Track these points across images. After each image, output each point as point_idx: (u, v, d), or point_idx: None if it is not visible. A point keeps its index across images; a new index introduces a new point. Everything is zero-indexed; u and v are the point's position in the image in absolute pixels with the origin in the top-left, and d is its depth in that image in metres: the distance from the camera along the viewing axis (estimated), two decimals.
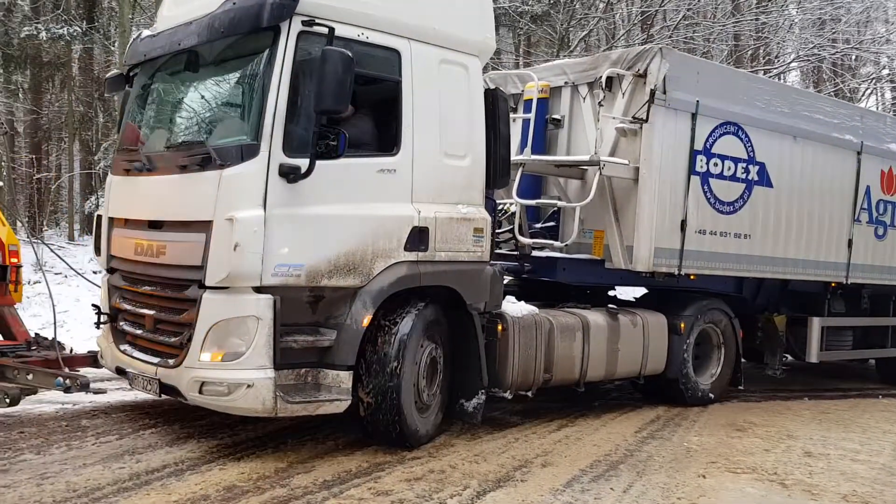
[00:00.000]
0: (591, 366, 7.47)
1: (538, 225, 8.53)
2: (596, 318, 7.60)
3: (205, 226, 5.48)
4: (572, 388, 7.56)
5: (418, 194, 6.08)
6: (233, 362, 5.42)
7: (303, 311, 5.71)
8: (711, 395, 8.67)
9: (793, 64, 23.76)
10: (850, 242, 9.83)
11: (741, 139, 8.46)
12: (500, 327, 6.73)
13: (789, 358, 10.51)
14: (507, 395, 6.84)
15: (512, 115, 8.42)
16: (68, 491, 4.88)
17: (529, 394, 7.09)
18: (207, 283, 5.47)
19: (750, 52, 22.88)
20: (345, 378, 5.70)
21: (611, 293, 9.03)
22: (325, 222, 5.64)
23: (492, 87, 7.20)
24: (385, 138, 6.02)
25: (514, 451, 6.27)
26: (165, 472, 5.34)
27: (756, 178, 8.67)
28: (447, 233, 6.24)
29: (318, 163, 5.42)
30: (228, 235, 5.32)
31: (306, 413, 5.59)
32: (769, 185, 8.80)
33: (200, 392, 5.52)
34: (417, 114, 6.05)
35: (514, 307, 7.04)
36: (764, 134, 8.65)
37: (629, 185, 7.85)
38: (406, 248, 5.98)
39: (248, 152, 5.40)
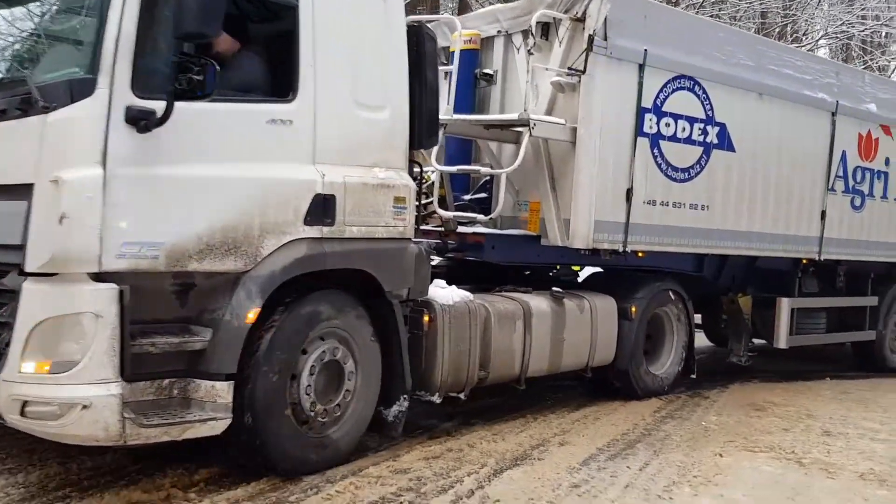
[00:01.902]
0: (534, 359, 6.40)
1: (467, 197, 7.44)
2: (539, 303, 6.52)
3: (25, 190, 4.19)
4: (511, 386, 6.52)
5: (323, 153, 4.88)
6: (63, 374, 4.09)
7: (166, 305, 4.45)
8: (665, 386, 7.68)
9: (821, 41, 23.35)
10: (823, 214, 8.81)
11: (698, 96, 7.38)
12: (426, 318, 5.63)
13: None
14: (436, 398, 5.75)
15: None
16: None
17: (462, 395, 6.03)
18: (28, 269, 4.19)
19: (777, 30, 22.32)
20: (222, 390, 4.41)
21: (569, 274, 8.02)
22: (194, 187, 4.38)
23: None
24: (278, 81, 4.79)
25: (533, 430, 6.19)
26: None
27: (715, 141, 7.61)
28: (360, 202, 5.06)
29: (182, 107, 4.19)
30: (53, 203, 4.05)
31: (169, 438, 4.31)
32: (730, 148, 7.75)
33: (22, 414, 4.18)
34: (321, 50, 4.82)
35: (443, 293, 5.92)
36: (724, 90, 7.57)
37: (567, 149, 6.78)
38: (306, 222, 4.78)
39: (80, 90, 4.09)
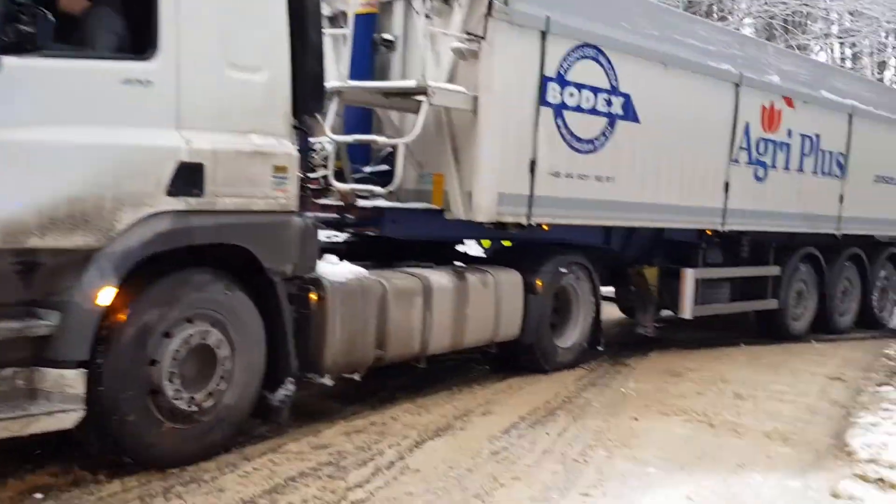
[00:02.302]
0: (435, 336, 6.16)
1: (367, 169, 7.13)
2: (440, 278, 6.28)
3: None
4: (411, 365, 6.31)
5: (188, 117, 4.43)
6: None
7: (6, 286, 3.99)
8: (571, 359, 7.60)
9: (746, 21, 24.27)
10: (726, 185, 8.86)
11: (602, 65, 7.25)
12: (314, 296, 5.29)
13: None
14: (327, 380, 5.44)
15: (332, 33, 7.02)
16: None
17: (357, 376, 5.77)
18: None
19: (705, 9, 22.89)
20: (72, 379, 4.03)
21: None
22: (33, 153, 3.91)
23: None
24: (137, 38, 4.33)
25: (457, 402, 6.24)
26: None
27: (620, 112, 7.51)
28: (233, 172, 4.62)
29: (13, 62, 3.76)
30: None
31: (10, 434, 3.88)
32: (635, 119, 7.66)
33: None
34: (186, 4, 4.38)
35: (335, 270, 5.57)
36: (629, 60, 7.47)
37: (469, 119, 6.53)
38: (169, 193, 4.34)
39: None
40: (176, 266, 4.48)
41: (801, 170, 9.95)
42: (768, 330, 10.39)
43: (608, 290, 10.43)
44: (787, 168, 9.72)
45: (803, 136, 9.90)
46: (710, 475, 4.88)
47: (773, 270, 10.05)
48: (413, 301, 5.92)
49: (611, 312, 9.33)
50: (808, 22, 27.87)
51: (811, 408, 6.78)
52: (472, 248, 8.13)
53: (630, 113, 7.59)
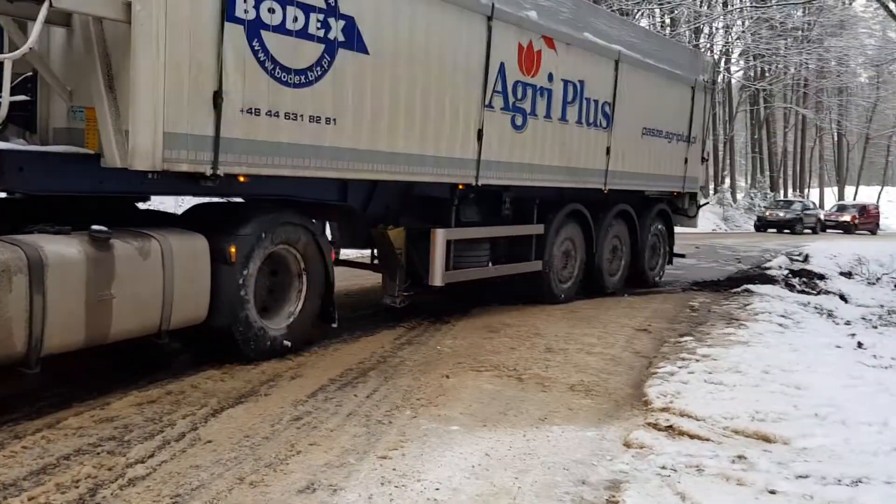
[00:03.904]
0: (53, 329, 4.45)
1: None
2: (61, 249, 4.53)
3: None
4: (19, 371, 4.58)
5: None
6: None
7: None
8: (288, 343, 6.25)
9: None
10: (480, 134, 7.82)
11: None
12: None
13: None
14: None
15: None
16: None
17: None
18: None
19: None
20: None
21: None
22: None
23: None
24: None
25: (266, 366, 5.95)
26: None
27: (341, 38, 6.16)
28: None
29: None
30: None
31: None
32: (363, 49, 6.35)
33: None
34: None
35: None
36: None
37: (125, 33, 4.91)
38: None
39: None
40: None
41: (564, 119, 9.15)
42: (533, 293, 9.60)
43: (356, 254, 9.29)
44: (548, 117, 8.86)
45: (566, 82, 9.09)
46: (511, 430, 4.82)
47: (537, 229, 9.24)
48: (9, 282, 4.20)
49: None
50: None
51: (616, 359, 6.82)
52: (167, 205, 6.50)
53: (355, 41, 6.27)
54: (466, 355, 6.61)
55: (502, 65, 8.00)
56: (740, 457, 4.39)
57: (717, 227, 36.21)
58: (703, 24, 35.77)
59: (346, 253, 9.47)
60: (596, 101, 9.73)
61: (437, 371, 6.05)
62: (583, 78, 9.36)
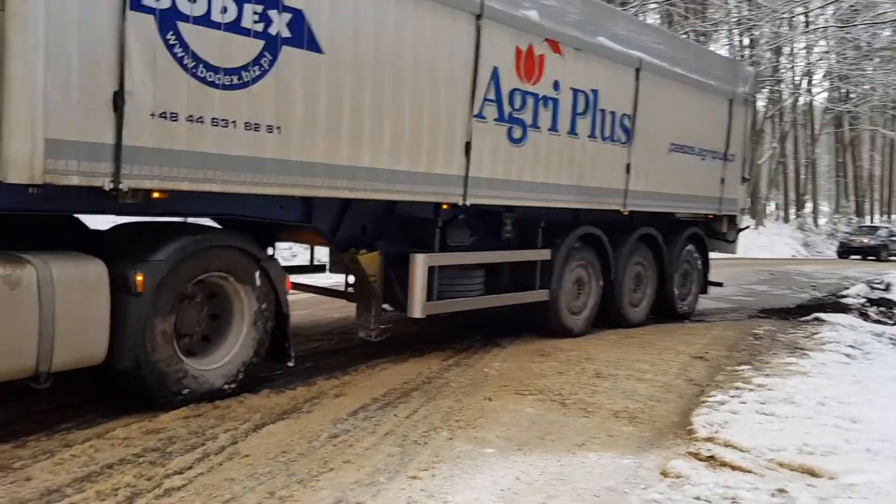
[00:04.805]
0: None
1: None
2: None
3: None
4: None
5: None
6: None
7: None
8: (229, 387, 5.39)
9: (650, 5, 24.54)
10: (468, 147, 6.90)
11: None
12: None
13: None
14: None
15: None
16: None
17: None
18: None
19: None
20: None
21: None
22: None
23: None
24: None
25: (314, 383, 6.06)
26: None
27: (287, 34, 5.33)
28: None
29: None
30: None
31: None
32: (314, 47, 5.52)
33: None
34: None
35: None
36: None
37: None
38: None
39: None
40: None
41: (573, 132, 8.17)
42: (540, 325, 8.59)
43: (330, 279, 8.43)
44: (554, 129, 7.89)
45: (576, 92, 8.12)
46: (546, 455, 4.75)
47: (542, 255, 8.24)
48: None
49: None
50: (708, 11, 28.71)
51: (666, 386, 6.64)
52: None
53: (303, 37, 5.44)
54: (512, 378, 6.56)
55: (496, 70, 7.09)
56: (781, 490, 4.21)
57: (796, 253, 34.84)
58: (783, 44, 34.32)
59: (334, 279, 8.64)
60: (613, 114, 8.73)
61: (481, 393, 6.03)
62: (596, 87, 8.38)
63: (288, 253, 12.86)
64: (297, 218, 6.29)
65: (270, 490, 3.96)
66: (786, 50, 36.12)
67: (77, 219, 5.30)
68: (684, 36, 23.72)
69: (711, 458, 4.70)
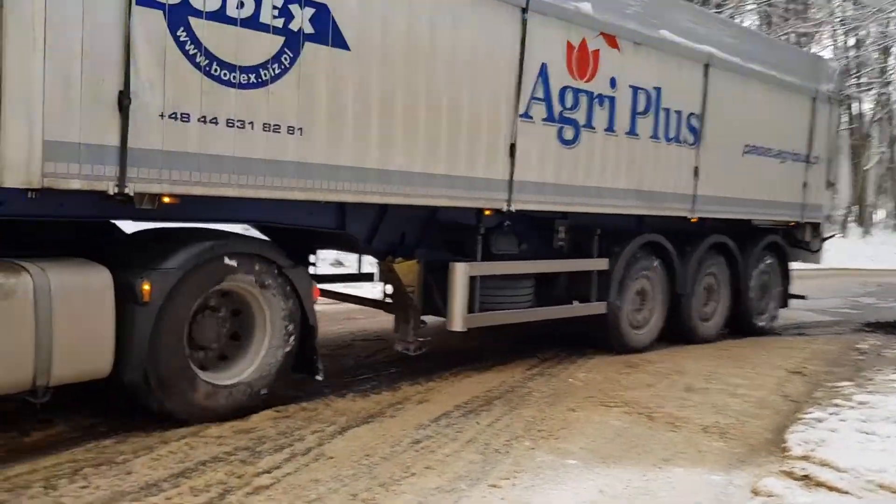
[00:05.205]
0: None
1: None
2: None
3: None
4: None
5: None
6: None
7: None
8: (248, 402, 5.13)
9: (748, 6, 23.96)
10: (512, 149, 6.48)
11: None
12: None
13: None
14: None
15: None
16: None
17: None
18: None
19: None
20: None
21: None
22: None
23: None
24: None
25: (399, 388, 6.15)
26: None
27: (309, 31, 5.05)
28: None
29: None
30: None
31: None
32: (341, 44, 5.22)
33: None
34: None
35: None
36: None
37: None
38: None
39: None
40: None
41: (633, 133, 7.63)
42: (599, 340, 8.06)
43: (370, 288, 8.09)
44: (611, 130, 7.38)
45: (636, 90, 7.59)
46: (630, 468, 4.65)
47: (599, 264, 7.72)
48: None
49: None
50: (809, 11, 27.89)
51: (761, 402, 6.44)
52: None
53: (329, 34, 5.15)
54: (598, 390, 6.45)
55: (544, 67, 6.65)
56: None
57: None
58: (891, 44, 32.50)
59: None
60: (678, 113, 8.14)
61: (564, 404, 5.95)
62: (659, 84, 7.82)
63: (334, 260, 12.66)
64: (329, 224, 6.00)
65: (353, 492, 4.04)
66: (894, 50, 34.14)
67: (113, 224, 5.12)
68: (784, 38, 22.66)
69: (806, 477, 4.51)
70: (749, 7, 24.62)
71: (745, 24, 24.20)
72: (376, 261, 6.71)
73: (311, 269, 7.44)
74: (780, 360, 8.09)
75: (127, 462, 4.24)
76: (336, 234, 6.12)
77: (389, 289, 6.66)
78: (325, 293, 7.50)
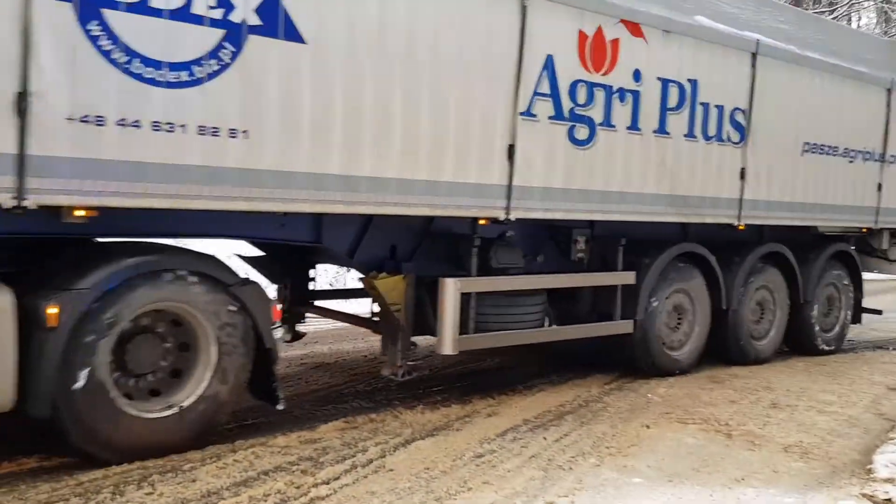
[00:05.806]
0: None
1: None
2: None
3: None
4: None
5: None
6: None
7: None
8: (184, 435, 4.62)
9: (863, 6, 23.42)
10: (510, 151, 5.78)
11: None
12: None
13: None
14: None
15: None
16: None
17: None
18: None
19: None
20: None
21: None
22: None
23: None
24: None
25: (468, 401, 6.09)
26: None
27: (253, 22, 4.50)
28: None
29: None
30: None
31: None
32: (294, 37, 4.65)
33: None
34: None
35: None
36: None
37: None
38: None
39: None
40: None
41: (663, 131, 6.80)
42: (626, 360, 7.25)
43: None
44: (635, 128, 6.57)
45: (665, 83, 6.75)
46: (698, 488, 4.53)
47: (623, 278, 6.90)
48: None
49: None
50: None
51: (852, 420, 6.21)
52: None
53: (279, 24, 4.58)
54: (677, 406, 6.29)
55: (550, 59, 5.91)
56: None
57: None
58: None
59: None
60: (719, 108, 7.24)
61: (639, 420, 5.82)
62: (695, 77, 6.95)
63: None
64: (303, 237, 5.48)
65: None
66: None
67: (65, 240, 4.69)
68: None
69: (888, 501, 4.35)
70: (865, 5, 22.99)
71: (862, 21, 22.55)
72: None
73: (311, 285, 7.06)
74: (880, 377, 7.76)
75: (193, 470, 4.34)
76: (310, 246, 5.58)
77: (377, 307, 6.06)
78: (314, 311, 7.01)
